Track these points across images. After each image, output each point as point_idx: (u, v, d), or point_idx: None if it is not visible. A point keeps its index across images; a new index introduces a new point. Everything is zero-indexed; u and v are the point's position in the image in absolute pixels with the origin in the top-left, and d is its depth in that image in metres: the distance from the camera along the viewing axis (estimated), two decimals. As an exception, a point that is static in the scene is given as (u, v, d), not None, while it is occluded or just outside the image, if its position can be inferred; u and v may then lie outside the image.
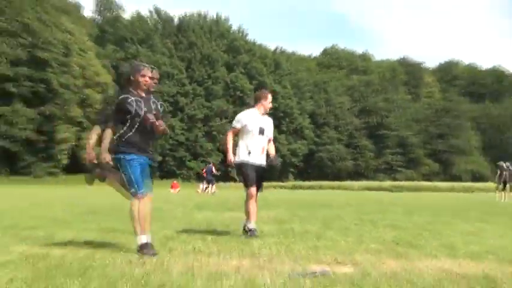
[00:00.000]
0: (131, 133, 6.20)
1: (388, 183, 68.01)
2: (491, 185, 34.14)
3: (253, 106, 8.59)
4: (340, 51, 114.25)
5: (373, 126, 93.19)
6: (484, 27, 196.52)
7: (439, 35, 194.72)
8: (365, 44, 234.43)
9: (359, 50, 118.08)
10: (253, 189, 8.09)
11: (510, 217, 13.94)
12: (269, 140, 8.45)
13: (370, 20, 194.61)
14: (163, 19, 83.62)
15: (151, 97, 6.52)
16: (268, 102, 8.46)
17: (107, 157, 6.52)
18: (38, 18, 58.84)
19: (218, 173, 41.39)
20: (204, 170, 39.08)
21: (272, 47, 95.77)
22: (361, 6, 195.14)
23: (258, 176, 8.20)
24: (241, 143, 8.29)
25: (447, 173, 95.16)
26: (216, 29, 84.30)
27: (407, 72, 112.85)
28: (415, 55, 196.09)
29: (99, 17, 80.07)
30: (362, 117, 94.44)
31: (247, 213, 8.15)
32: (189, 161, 74.25)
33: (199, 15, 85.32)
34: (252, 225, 8.05)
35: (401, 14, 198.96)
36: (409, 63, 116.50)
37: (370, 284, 4.52)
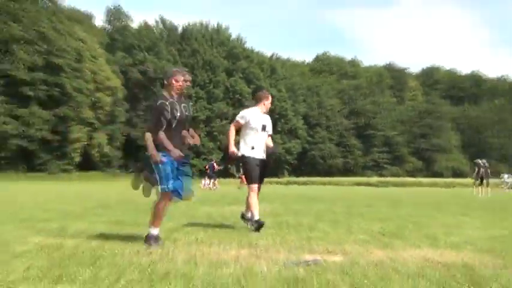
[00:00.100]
0: (166, 134, 6.12)
1: (375, 179, 68.05)
2: (470, 180, 34.22)
3: (254, 105, 8.50)
4: (331, 57, 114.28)
5: (361, 126, 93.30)
6: (464, 36, 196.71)
7: (422, 43, 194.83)
8: (354, 51, 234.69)
9: (348, 57, 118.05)
10: (255, 186, 8.01)
11: (487, 210, 13.95)
12: (268, 136, 8.41)
13: (359, 29, 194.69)
14: (168, 28, 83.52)
15: (182, 99, 6.45)
16: (269, 102, 8.44)
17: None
18: (53, 27, 58.79)
19: (220, 168, 41.37)
20: (207, 167, 39.10)
21: (268, 54, 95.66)
22: (351, 17, 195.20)
23: (261, 170, 8.14)
24: (244, 138, 8.23)
25: (429, 169, 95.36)
26: (216, 37, 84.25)
27: (393, 77, 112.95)
28: (400, 61, 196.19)
29: (109, 26, 79.94)
30: (351, 119, 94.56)
31: (250, 207, 8.07)
32: (192, 159, 74.10)
33: (201, 24, 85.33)
34: (255, 218, 7.93)
35: (387, 23, 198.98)
36: (394, 69, 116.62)
37: (358, 272, 4.52)
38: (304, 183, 55.91)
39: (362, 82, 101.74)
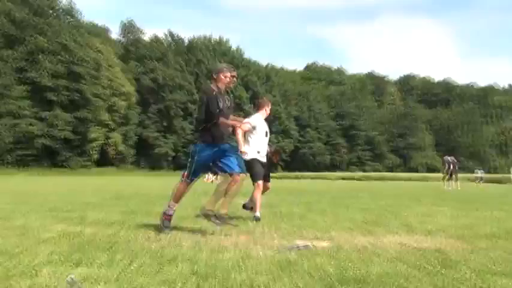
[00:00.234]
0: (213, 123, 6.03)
1: (358, 174, 68.16)
2: (441, 175, 34.33)
3: (256, 112, 8.36)
4: (319, 66, 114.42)
5: (346, 127, 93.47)
6: (437, 47, 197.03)
7: (399, 53, 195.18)
8: (339, 61, 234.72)
9: (335, 66, 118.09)
10: (261, 183, 7.90)
11: (457, 201, 13.97)
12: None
13: (344, 41, 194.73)
14: (175, 41, 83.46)
15: (226, 92, 6.37)
16: (269, 108, 8.31)
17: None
18: (74, 40, 58.75)
19: None
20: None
21: (264, 63, 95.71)
22: (337, 31, 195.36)
23: (266, 171, 8.10)
24: (249, 143, 7.99)
25: (406, 165, 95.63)
26: (218, 49, 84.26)
27: (374, 84, 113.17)
28: (380, 69, 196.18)
29: (123, 38, 79.83)
30: (337, 120, 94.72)
31: (254, 203, 7.98)
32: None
33: (205, 37, 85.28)
34: (257, 213, 7.86)
35: (368, 36, 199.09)
36: (375, 76, 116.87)
37: (343, 256, 4.52)
38: (296, 178, 55.83)
39: (347, 88, 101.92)
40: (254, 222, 7.58)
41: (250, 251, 4.73)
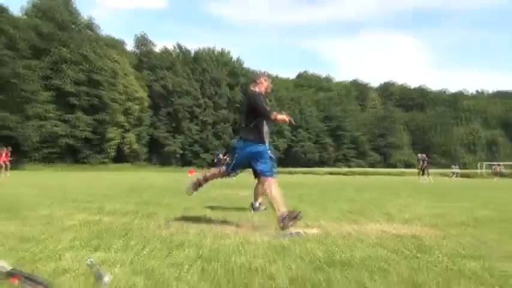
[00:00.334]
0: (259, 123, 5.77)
1: (344, 169, 68.03)
2: (416, 171, 34.45)
3: None
4: (309, 75, 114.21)
5: (333, 128, 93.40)
6: (413, 57, 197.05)
7: (380, 63, 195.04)
8: (327, 70, 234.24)
9: (323, 74, 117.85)
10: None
11: (430, 194, 13.99)
12: None
13: (332, 53, 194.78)
14: (183, 52, 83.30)
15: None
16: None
17: None
18: (94, 51, 58.75)
19: (227, 155, 40.87)
20: (215, 159, 38.51)
21: (262, 72, 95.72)
22: (326, 43, 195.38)
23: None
24: None
25: (386, 162, 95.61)
26: (221, 59, 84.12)
27: (358, 90, 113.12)
28: (363, 77, 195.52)
29: (137, 50, 79.76)
30: (326, 122, 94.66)
31: (256, 195, 7.87)
32: (202, 153, 74.24)
33: (209, 49, 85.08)
34: (256, 203, 7.79)
35: (353, 47, 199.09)
36: (358, 84, 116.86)
37: (331, 242, 4.52)
38: (289, 173, 55.79)
39: (334, 94, 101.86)
40: (252, 211, 7.58)
41: (249, 237, 4.73)
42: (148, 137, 70.45)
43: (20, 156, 44.32)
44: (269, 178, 5.56)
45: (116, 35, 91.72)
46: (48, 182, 18.32)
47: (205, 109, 77.41)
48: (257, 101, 5.70)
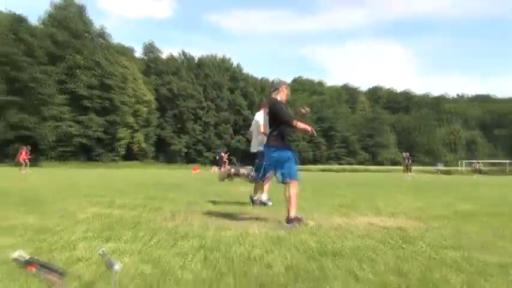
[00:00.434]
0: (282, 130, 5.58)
1: (336, 166, 68.25)
2: (402, 168, 34.54)
3: (257, 110, 8.09)
4: (304, 79, 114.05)
5: (326, 129, 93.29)
6: (399, 63, 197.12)
7: (369, 68, 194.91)
8: (320, 75, 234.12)
9: (316, 79, 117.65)
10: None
11: (414, 189, 14.02)
12: None
13: (324, 59, 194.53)
14: (187, 58, 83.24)
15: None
16: (267, 108, 8.02)
17: None
18: (105, 58, 58.74)
19: (228, 155, 40.81)
20: (217, 158, 38.42)
21: (259, 77, 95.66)
22: (319, 50, 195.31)
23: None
24: (261, 137, 7.61)
25: (374, 160, 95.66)
26: (222, 65, 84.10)
27: (348, 94, 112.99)
28: (353, 82, 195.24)
29: (145, 57, 79.71)
30: (318, 123, 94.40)
31: (262, 189, 7.67)
32: (205, 152, 74.28)
33: (211, 56, 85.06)
34: (264, 197, 7.66)
35: (344, 54, 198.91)
36: (349, 88, 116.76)
37: (323, 233, 4.53)
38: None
39: (326, 97, 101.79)
40: (252, 205, 7.52)
41: (248, 229, 4.73)
42: (156, 136, 70.49)
43: (38, 155, 44.34)
44: (294, 181, 5.37)
45: (126, 43, 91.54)
46: (63, 179, 18.30)
47: (208, 111, 77.46)
48: (278, 108, 5.56)
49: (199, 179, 20.51)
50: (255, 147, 7.81)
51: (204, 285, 2.67)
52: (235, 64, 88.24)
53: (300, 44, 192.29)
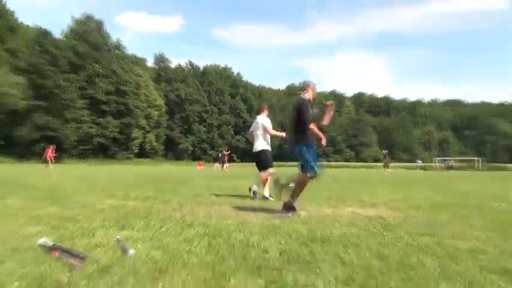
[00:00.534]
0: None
1: (324, 163, 68.18)
2: (382, 164, 34.65)
3: (260, 114, 7.76)
4: (296, 86, 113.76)
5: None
6: (380, 72, 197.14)
7: (354, 77, 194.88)
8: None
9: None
10: (273, 169, 7.51)
11: (394, 183, 14.03)
12: None
13: (314, 68, 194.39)
14: (194, 68, 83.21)
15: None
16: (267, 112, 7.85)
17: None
18: (121, 67, 58.73)
19: (229, 152, 40.71)
20: (220, 155, 38.09)
21: (257, 84, 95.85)
22: (310, 61, 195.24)
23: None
24: (264, 137, 7.46)
25: (358, 157, 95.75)
26: (224, 73, 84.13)
27: (335, 99, 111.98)
28: (340, 88, 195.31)
29: (156, 66, 79.70)
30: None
31: (264, 183, 7.41)
32: (209, 150, 74.34)
33: (215, 65, 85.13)
34: (267, 193, 7.38)
35: (332, 64, 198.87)
36: (336, 94, 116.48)
37: (313, 222, 4.53)
38: (280, 166, 55.91)
39: (316, 102, 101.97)
40: (255, 198, 7.22)
41: (247, 218, 4.73)
42: (165, 136, 70.57)
43: (62, 153, 44.37)
44: (306, 175, 5.28)
45: (139, 54, 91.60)
46: (83, 174, 18.28)
47: (211, 114, 77.55)
48: (303, 108, 5.42)
49: (204, 174, 20.50)
50: (259, 147, 7.51)
51: (208, 267, 2.67)
52: (235, 73, 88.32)
53: (293, 55, 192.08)
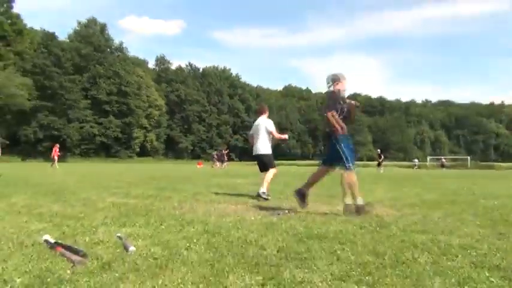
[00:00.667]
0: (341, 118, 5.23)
1: (321, 162, 68.18)
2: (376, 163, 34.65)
3: (260, 115, 7.61)
4: (293, 87, 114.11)
5: (312, 129, 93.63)
6: (375, 73, 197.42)
7: (348, 77, 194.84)
8: (307, 83, 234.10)
9: (304, 86, 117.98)
10: (275, 169, 7.37)
11: (388, 181, 14.04)
12: None
13: (311, 70, 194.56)
14: (193, 69, 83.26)
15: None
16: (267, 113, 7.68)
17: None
18: (123, 68, 58.82)
19: (227, 151, 40.81)
20: (218, 154, 38.20)
21: (255, 85, 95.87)
22: (306, 62, 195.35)
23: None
24: (266, 140, 7.31)
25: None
26: (223, 75, 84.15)
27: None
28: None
29: (157, 68, 79.72)
30: (306, 124, 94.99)
31: (267, 183, 7.12)
32: (208, 149, 74.40)
33: (214, 66, 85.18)
34: (263, 190, 7.04)
35: (327, 65, 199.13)
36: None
37: (310, 219, 4.51)
38: (277, 164, 55.94)
39: (313, 102, 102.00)
40: (258, 198, 6.89)
41: (245, 216, 4.71)
42: (166, 136, 70.63)
43: (65, 152, 44.39)
44: (347, 169, 5.20)
45: (141, 55, 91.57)
46: (86, 172, 18.24)
47: (210, 114, 77.55)
48: (329, 98, 5.37)
49: (203, 172, 20.48)
50: (261, 150, 7.31)
51: (207, 264, 2.65)
52: (234, 74, 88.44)
53: (290, 57, 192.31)
